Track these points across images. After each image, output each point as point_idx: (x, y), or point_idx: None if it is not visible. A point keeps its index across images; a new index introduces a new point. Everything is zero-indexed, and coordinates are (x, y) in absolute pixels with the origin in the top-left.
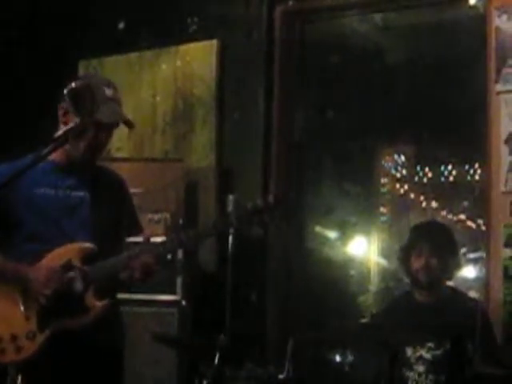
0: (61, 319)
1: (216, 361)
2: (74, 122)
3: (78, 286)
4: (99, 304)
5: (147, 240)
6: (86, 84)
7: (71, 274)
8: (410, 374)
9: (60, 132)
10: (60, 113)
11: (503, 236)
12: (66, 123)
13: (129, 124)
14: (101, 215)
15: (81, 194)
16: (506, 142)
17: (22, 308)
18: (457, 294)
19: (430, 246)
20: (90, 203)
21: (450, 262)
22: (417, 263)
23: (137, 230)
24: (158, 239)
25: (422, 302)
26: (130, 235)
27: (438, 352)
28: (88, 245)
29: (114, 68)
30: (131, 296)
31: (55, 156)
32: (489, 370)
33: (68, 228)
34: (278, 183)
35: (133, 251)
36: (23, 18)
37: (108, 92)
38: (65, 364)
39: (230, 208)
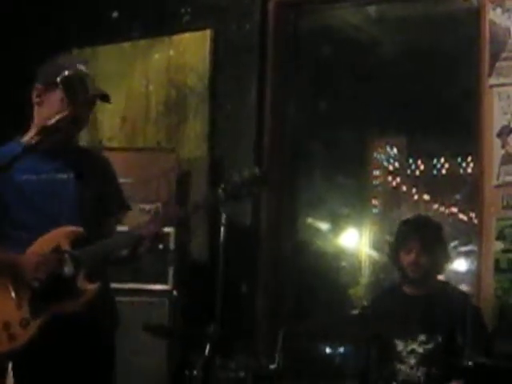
0: (53, 305)
1: (206, 351)
2: (67, 109)
3: (69, 270)
4: (91, 287)
5: (157, 210)
6: (78, 73)
7: (62, 258)
8: (402, 367)
9: (53, 120)
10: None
11: (495, 229)
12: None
13: (105, 98)
14: (86, 197)
15: (64, 176)
16: (499, 135)
17: (13, 296)
18: (447, 288)
19: (419, 242)
20: (75, 185)
21: (440, 257)
22: (406, 259)
23: (124, 209)
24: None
25: (411, 295)
26: (117, 214)
27: (430, 345)
28: (76, 228)
29: (107, 57)
30: (122, 285)
31: (29, 138)
32: (480, 362)
33: (54, 213)
34: (269, 174)
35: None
36: (15, 7)
37: (82, 68)
38: (56, 348)
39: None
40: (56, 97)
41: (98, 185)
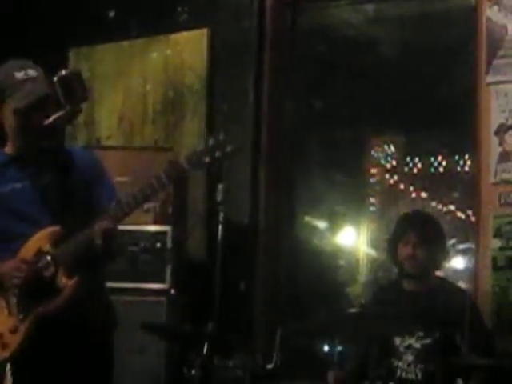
0: (37, 306)
1: (204, 350)
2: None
3: (50, 270)
4: (70, 282)
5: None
6: (76, 71)
7: (41, 260)
8: (399, 364)
9: (50, 120)
10: None
11: (492, 227)
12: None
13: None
14: (70, 197)
15: (47, 179)
16: (496, 133)
17: (4, 305)
18: (445, 284)
19: (416, 235)
20: (56, 188)
21: (437, 252)
22: (403, 253)
23: (115, 200)
24: (151, 228)
25: (409, 291)
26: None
27: (427, 341)
28: (54, 228)
29: (105, 56)
30: (120, 284)
31: (9, 148)
32: (478, 359)
33: (40, 219)
34: (267, 172)
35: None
36: (14, 6)
37: (19, 75)
38: (53, 349)
39: (219, 197)
40: (8, 109)
41: (82, 182)
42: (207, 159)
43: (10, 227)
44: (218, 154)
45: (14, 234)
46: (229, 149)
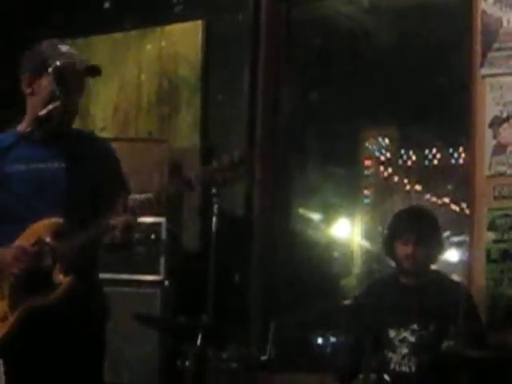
0: (30, 298)
1: (198, 341)
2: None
3: (47, 262)
4: (65, 280)
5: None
6: (69, 61)
7: (40, 251)
8: (393, 356)
9: (44, 111)
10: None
11: (486, 220)
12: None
13: (95, 71)
14: (77, 186)
15: (55, 165)
16: (491, 125)
17: None
18: (440, 277)
19: (417, 235)
20: (65, 175)
21: (435, 248)
22: (403, 252)
23: (125, 193)
24: (146, 219)
25: (406, 285)
26: (118, 200)
27: (422, 334)
28: (57, 220)
29: (100, 48)
30: (114, 276)
31: (23, 125)
32: (472, 351)
33: (41, 205)
34: (262, 165)
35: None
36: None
37: (63, 48)
38: (45, 341)
39: (213, 189)
40: (46, 84)
41: (93, 171)
42: (219, 179)
43: (8, 209)
44: (229, 174)
45: (12, 216)
46: (242, 170)
